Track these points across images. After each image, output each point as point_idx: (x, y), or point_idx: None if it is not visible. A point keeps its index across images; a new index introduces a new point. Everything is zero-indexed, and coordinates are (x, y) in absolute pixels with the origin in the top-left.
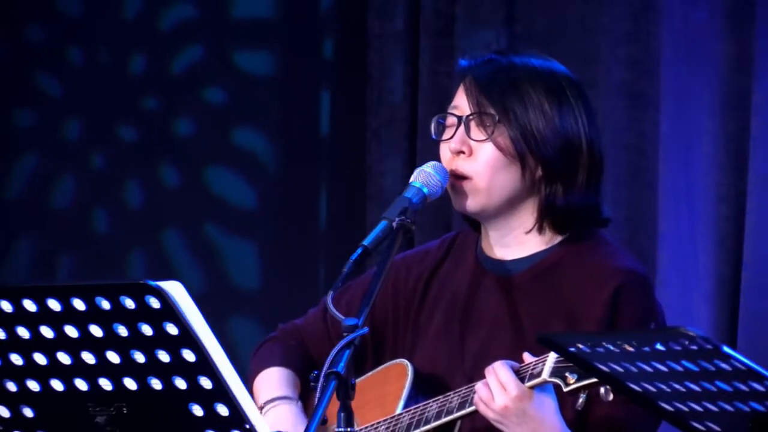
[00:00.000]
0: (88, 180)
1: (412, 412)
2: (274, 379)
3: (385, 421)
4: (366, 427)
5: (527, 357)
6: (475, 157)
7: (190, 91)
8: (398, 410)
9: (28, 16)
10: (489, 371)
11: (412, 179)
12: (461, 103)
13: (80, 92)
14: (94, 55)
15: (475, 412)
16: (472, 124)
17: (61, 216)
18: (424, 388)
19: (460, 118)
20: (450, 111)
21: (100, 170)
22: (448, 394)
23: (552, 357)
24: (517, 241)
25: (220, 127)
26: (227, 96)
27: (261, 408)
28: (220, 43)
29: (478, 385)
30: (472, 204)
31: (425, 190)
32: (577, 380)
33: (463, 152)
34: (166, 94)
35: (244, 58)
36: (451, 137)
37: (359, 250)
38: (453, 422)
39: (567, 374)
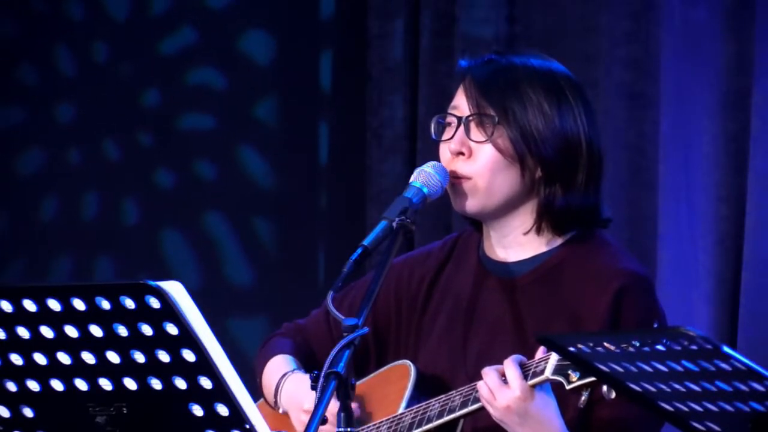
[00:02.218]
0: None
1: (414, 411)
2: (282, 362)
3: (387, 420)
4: (367, 427)
5: (538, 354)
6: (474, 158)
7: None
8: (400, 410)
9: None
10: (486, 372)
11: (412, 179)
12: (461, 104)
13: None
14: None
15: (478, 411)
16: (472, 125)
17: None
18: (426, 388)
19: (459, 118)
20: (450, 111)
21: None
22: (450, 393)
23: (555, 355)
24: (517, 242)
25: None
26: (228, 85)
27: (276, 389)
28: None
29: (480, 384)
30: (472, 204)
31: (425, 190)
32: (580, 378)
33: (462, 153)
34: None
35: (244, 52)
36: (451, 138)
37: (359, 250)
38: (455, 422)
39: (569, 372)
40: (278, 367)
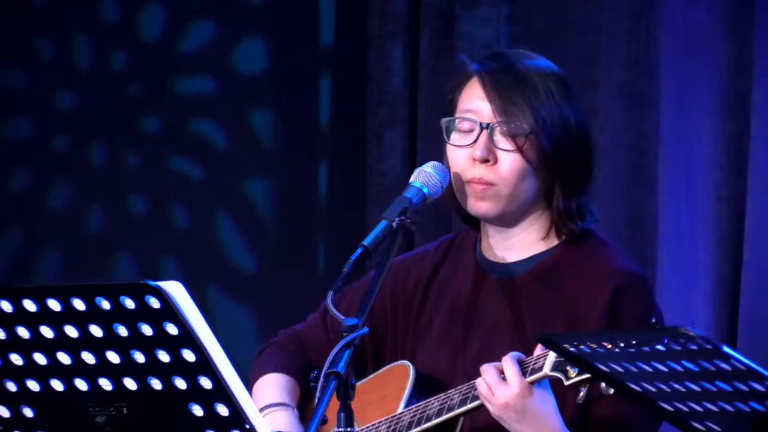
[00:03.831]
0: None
1: (413, 410)
2: (272, 386)
3: (386, 420)
4: (366, 427)
5: (537, 351)
6: (500, 166)
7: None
8: (399, 410)
9: None
10: (484, 369)
11: (412, 179)
12: (480, 108)
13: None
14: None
15: (476, 409)
16: (497, 131)
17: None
18: (425, 388)
19: (481, 124)
20: (466, 116)
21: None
22: (449, 391)
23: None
24: (520, 244)
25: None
26: (220, 90)
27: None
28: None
29: (478, 381)
30: (492, 209)
31: (425, 190)
32: (579, 373)
33: (488, 160)
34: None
35: (246, 65)
36: (473, 143)
37: (359, 250)
38: (454, 420)
39: (568, 368)
40: (269, 392)
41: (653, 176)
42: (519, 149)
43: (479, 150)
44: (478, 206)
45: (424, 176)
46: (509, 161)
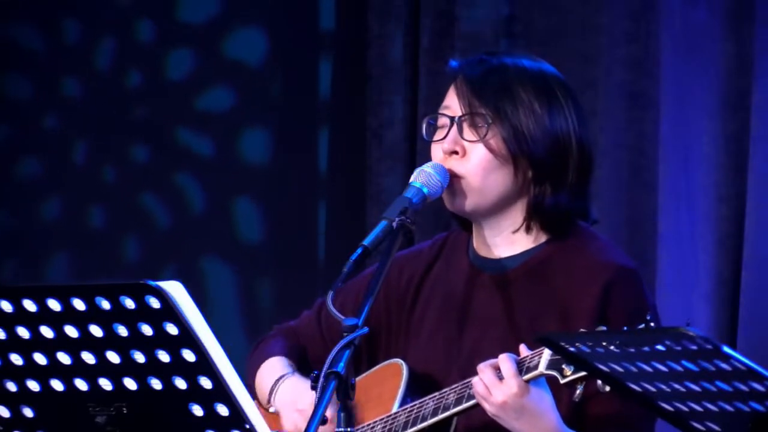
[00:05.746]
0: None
1: (408, 410)
2: (279, 363)
3: (381, 420)
4: (362, 427)
5: (524, 350)
6: (468, 158)
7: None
8: (394, 409)
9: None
10: (481, 368)
11: (412, 179)
12: (453, 104)
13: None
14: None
15: (472, 408)
16: (465, 124)
17: None
18: (418, 386)
19: (452, 118)
20: (441, 112)
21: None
22: (443, 390)
23: (548, 349)
24: (507, 240)
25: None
26: (227, 96)
27: (271, 390)
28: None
29: (475, 380)
30: (465, 203)
31: (425, 190)
32: (574, 371)
33: (456, 153)
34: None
35: (243, 53)
36: (444, 138)
37: (359, 250)
38: (449, 419)
39: (564, 366)
40: (275, 369)
41: (653, 176)
42: (482, 139)
43: (446, 143)
44: (452, 202)
45: (424, 176)
46: (475, 152)
